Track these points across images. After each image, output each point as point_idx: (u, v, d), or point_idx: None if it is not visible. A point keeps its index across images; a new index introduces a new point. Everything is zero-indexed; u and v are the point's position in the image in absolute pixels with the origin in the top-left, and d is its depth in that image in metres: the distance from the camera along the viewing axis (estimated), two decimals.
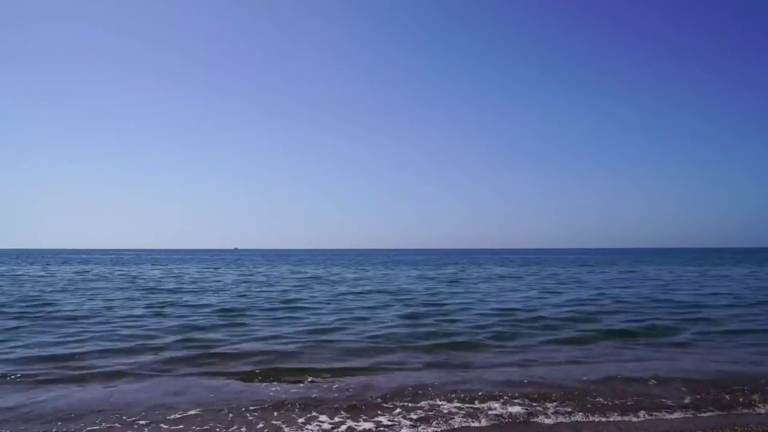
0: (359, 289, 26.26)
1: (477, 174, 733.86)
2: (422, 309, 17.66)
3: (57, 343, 11.37)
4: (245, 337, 12.18)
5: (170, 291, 24.87)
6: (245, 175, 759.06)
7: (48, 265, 59.27)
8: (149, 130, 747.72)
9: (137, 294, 23.14)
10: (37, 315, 15.90)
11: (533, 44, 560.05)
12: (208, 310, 17.34)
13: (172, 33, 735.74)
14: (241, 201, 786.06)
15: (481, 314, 16.24)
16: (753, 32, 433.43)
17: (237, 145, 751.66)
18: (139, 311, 16.90)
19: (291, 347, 11.03)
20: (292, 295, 22.61)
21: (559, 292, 24.06)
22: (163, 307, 18.15)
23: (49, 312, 16.54)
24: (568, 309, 17.52)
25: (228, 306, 18.29)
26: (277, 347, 10.99)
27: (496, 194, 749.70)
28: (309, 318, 15.59)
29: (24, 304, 18.68)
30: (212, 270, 48.32)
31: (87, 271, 43.96)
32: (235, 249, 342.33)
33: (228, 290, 25.34)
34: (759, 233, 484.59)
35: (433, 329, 13.35)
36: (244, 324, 14.24)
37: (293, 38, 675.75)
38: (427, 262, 75.70)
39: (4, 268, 49.30)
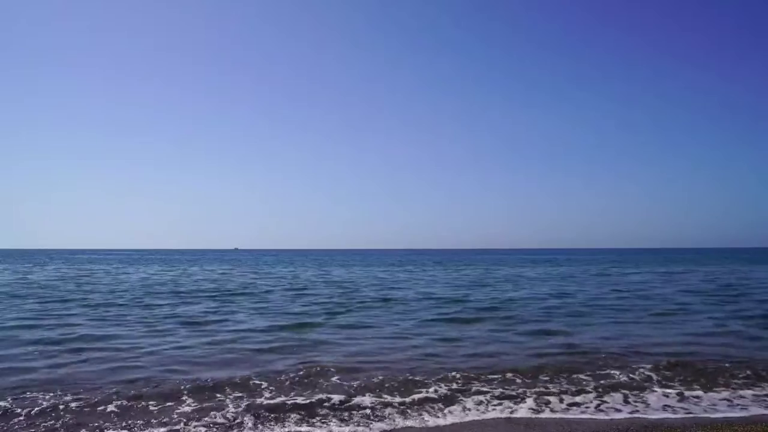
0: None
1: (477, 174, 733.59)
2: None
3: None
4: None
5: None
6: (245, 175, 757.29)
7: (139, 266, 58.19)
8: (149, 130, 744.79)
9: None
10: None
11: (533, 44, 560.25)
12: None
13: (171, 33, 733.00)
14: (241, 201, 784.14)
15: None
16: (753, 32, 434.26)
17: (237, 145, 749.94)
18: None
19: None
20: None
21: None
22: None
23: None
24: None
25: None
26: None
27: (496, 195, 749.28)
28: None
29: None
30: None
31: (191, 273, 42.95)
32: (236, 249, 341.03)
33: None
34: (761, 233, 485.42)
35: None
36: None
37: (292, 38, 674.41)
38: (447, 262, 75.16)
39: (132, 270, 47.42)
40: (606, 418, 6.72)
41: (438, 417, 6.73)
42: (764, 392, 7.86)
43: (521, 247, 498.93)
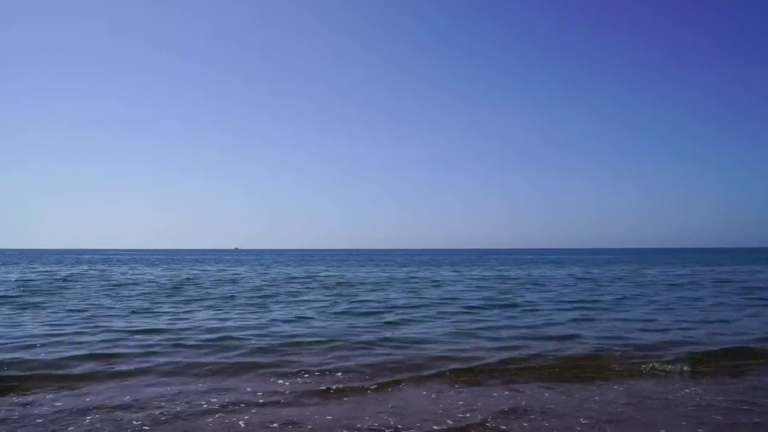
0: None
1: (476, 174, 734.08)
2: None
3: None
4: None
5: None
6: (245, 175, 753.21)
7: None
8: (149, 130, 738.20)
9: None
10: None
11: (532, 44, 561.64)
12: None
13: (171, 33, 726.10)
14: (242, 201, 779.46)
15: None
16: (753, 32, 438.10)
17: (237, 145, 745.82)
18: None
19: None
20: None
21: None
22: None
23: None
24: None
25: None
26: None
27: (496, 194, 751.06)
28: None
29: None
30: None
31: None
32: (236, 249, 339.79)
33: None
34: (760, 233, 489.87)
35: None
36: None
37: (292, 38, 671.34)
38: (460, 262, 75.46)
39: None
40: None
41: None
42: None
43: (522, 248, 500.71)
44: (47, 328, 13.28)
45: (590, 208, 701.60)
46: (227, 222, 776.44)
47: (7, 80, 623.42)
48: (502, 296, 22.50)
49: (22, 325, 13.79)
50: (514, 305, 18.94)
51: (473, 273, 42.98)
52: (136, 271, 44.38)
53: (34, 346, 10.84)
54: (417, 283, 31.69)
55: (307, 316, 16.09)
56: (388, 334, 12.43)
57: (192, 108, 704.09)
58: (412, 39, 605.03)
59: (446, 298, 21.61)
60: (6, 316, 15.47)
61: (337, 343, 11.27)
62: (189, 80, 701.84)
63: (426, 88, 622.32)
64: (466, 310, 17.41)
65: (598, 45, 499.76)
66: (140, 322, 14.42)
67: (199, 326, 13.67)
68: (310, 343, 11.36)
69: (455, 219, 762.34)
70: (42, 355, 9.94)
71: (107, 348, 10.66)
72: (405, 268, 51.67)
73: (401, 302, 20.14)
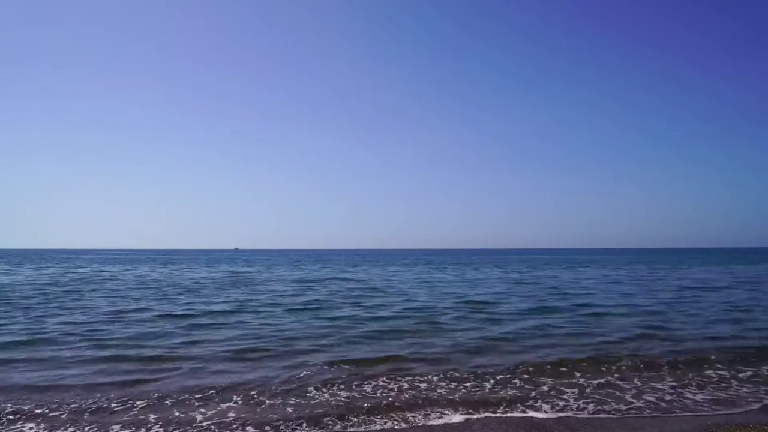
0: None
1: (477, 174, 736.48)
2: None
3: None
4: None
5: None
6: (245, 175, 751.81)
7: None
8: (149, 131, 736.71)
9: None
10: None
11: (534, 45, 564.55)
12: None
13: (172, 34, 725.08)
14: (241, 201, 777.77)
15: None
16: (753, 32, 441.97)
17: (237, 145, 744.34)
18: None
19: None
20: None
21: None
22: None
23: None
24: None
25: None
26: None
27: (496, 195, 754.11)
28: None
29: None
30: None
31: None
32: (236, 249, 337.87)
33: None
34: (760, 233, 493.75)
35: None
36: None
37: (293, 39, 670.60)
38: (467, 263, 74.84)
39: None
40: None
41: None
42: None
43: (521, 248, 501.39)
44: None
45: (590, 208, 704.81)
46: (227, 222, 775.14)
47: (8, 80, 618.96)
48: None
49: None
50: None
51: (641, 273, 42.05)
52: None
53: None
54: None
55: None
56: None
57: (192, 108, 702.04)
58: (413, 40, 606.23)
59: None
60: None
61: None
62: (189, 80, 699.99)
63: (427, 89, 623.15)
64: None
65: (600, 46, 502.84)
66: None
67: None
68: None
69: (455, 219, 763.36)
70: None
71: None
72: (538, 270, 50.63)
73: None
